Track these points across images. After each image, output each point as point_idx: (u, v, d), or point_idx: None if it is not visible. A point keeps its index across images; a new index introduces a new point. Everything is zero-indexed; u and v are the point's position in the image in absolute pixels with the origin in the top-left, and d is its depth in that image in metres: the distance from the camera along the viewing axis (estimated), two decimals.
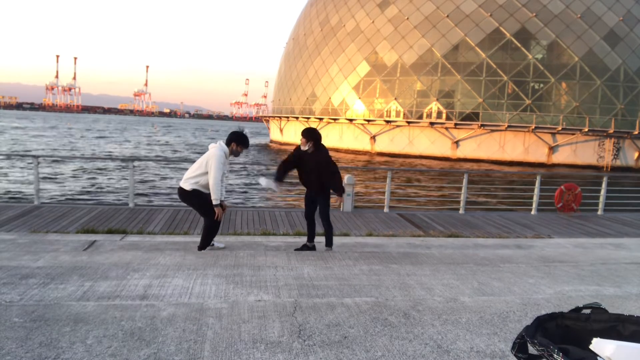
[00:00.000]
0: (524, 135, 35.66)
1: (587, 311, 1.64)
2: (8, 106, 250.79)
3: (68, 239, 6.00)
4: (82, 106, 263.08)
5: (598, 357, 1.33)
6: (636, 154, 35.95)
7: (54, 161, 24.14)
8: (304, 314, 3.37)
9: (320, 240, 5.85)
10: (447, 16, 37.85)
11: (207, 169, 5.24)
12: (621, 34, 35.89)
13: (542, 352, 1.39)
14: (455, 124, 36.82)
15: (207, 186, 5.27)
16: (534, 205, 10.20)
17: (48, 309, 3.26)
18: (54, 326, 2.99)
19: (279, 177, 5.66)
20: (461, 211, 9.77)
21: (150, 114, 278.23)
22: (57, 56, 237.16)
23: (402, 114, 39.18)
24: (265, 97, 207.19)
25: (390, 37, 39.91)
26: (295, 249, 5.79)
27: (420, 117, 38.51)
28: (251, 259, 5.09)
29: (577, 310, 1.65)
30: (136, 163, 16.35)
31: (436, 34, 38.20)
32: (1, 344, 2.71)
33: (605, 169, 34.40)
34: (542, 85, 36.25)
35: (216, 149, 5.29)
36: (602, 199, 10.57)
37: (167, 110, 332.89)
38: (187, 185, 5.36)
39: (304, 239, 6.06)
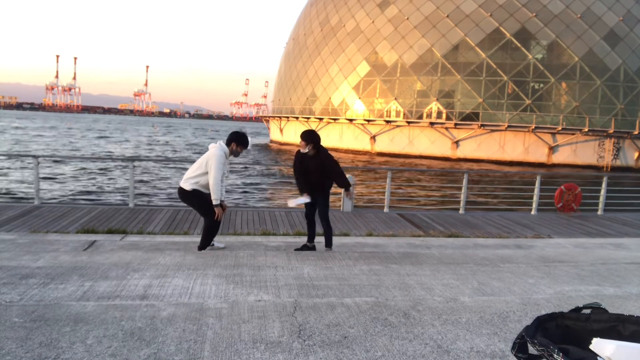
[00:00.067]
0: (524, 135, 35.66)
1: (587, 311, 1.64)
2: (8, 106, 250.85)
3: (68, 239, 6.00)
4: (82, 106, 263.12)
5: (598, 357, 1.33)
6: (636, 154, 35.96)
7: (54, 161, 24.15)
8: (304, 314, 3.37)
9: (320, 240, 5.85)
10: (447, 16, 37.85)
11: (207, 169, 5.24)
12: (621, 34, 35.89)
13: (542, 352, 1.39)
14: (455, 124, 36.82)
15: (207, 186, 5.28)
16: (534, 205, 10.20)
17: (48, 309, 3.26)
18: (54, 326, 2.99)
19: (303, 188, 5.69)
20: (461, 211, 9.77)
21: (150, 114, 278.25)
22: (57, 56, 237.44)
23: (402, 114, 39.19)
24: (265, 97, 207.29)
25: (390, 37, 39.92)
26: (295, 249, 5.79)
27: (420, 117, 38.51)
28: (251, 259, 5.09)
29: (577, 310, 1.65)
30: (136, 163, 16.35)
31: (436, 34, 38.20)
32: (1, 344, 2.71)
33: (605, 169, 34.40)
34: (542, 85, 36.26)
35: (216, 149, 5.29)
36: (602, 199, 10.57)
37: (167, 110, 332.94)
38: (187, 185, 5.36)
39: (304, 239, 6.06)
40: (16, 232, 6.39)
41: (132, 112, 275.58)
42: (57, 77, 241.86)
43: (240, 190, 18.19)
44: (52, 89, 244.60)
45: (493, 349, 2.95)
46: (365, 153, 40.22)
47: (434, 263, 5.27)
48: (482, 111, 36.66)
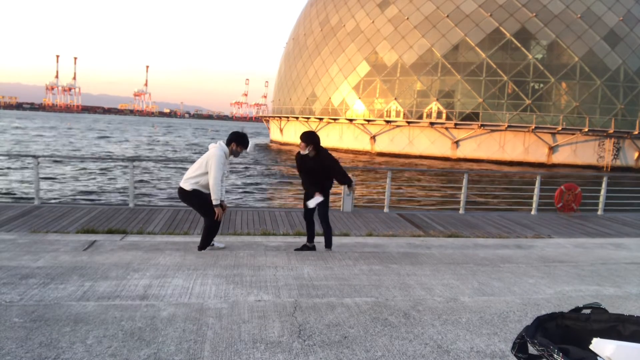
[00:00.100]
0: (524, 135, 35.66)
1: (587, 311, 1.64)
2: (8, 106, 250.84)
3: (68, 239, 6.00)
4: (82, 106, 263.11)
5: (598, 357, 1.33)
6: (636, 154, 35.96)
7: (54, 161, 24.15)
8: (304, 314, 3.37)
9: (320, 240, 5.85)
10: (447, 16, 37.85)
11: (207, 169, 5.24)
12: (621, 34, 35.89)
13: (542, 352, 1.39)
14: (455, 124, 36.82)
15: (207, 186, 5.28)
16: (534, 205, 10.20)
17: (48, 309, 3.26)
18: (54, 326, 2.99)
19: (314, 188, 5.68)
20: (461, 211, 9.77)
21: (150, 114, 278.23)
22: (57, 56, 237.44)
23: (402, 114, 39.19)
24: (265, 97, 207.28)
25: (390, 37, 39.92)
26: (295, 249, 5.79)
27: (420, 117, 38.51)
28: (251, 259, 5.09)
29: (577, 310, 1.65)
30: (136, 163, 16.35)
31: (436, 34, 38.21)
32: (1, 344, 2.71)
33: (605, 169, 34.40)
34: (542, 85, 36.26)
35: (216, 149, 5.29)
36: (602, 199, 10.56)
37: (167, 110, 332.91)
38: (187, 185, 5.36)
39: (304, 239, 6.06)
40: (16, 232, 6.39)
41: (132, 112, 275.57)
42: (57, 77, 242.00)
43: (240, 190, 18.19)
44: (52, 89, 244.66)
45: (493, 349, 2.95)
46: (365, 153, 40.23)
47: (434, 263, 5.26)
48: (482, 111, 36.66)
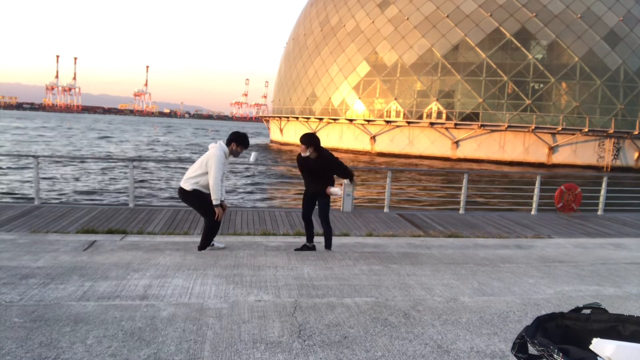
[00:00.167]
0: (524, 135, 35.66)
1: (587, 311, 1.64)
2: (8, 106, 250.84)
3: (68, 239, 6.00)
4: (82, 106, 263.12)
5: (598, 357, 1.33)
6: (636, 154, 35.95)
7: (54, 161, 24.15)
8: (304, 314, 3.37)
9: (319, 240, 5.85)
10: (447, 16, 37.85)
11: (207, 169, 5.24)
12: (621, 34, 35.89)
13: (542, 352, 1.39)
14: (455, 124, 36.82)
15: (207, 186, 5.28)
16: (534, 205, 10.20)
17: (48, 309, 3.26)
18: (54, 326, 2.99)
19: (319, 187, 5.71)
20: (461, 211, 9.77)
21: (151, 114, 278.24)
22: (57, 56, 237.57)
23: (402, 114, 39.18)
24: (265, 97, 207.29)
25: (390, 37, 39.92)
26: (295, 249, 5.79)
27: (420, 117, 38.51)
28: (251, 259, 5.10)
29: (577, 310, 1.65)
30: (136, 163, 16.35)
31: (436, 34, 38.20)
32: (1, 344, 2.71)
33: (605, 169, 34.40)
34: (542, 85, 36.25)
35: (216, 149, 5.29)
36: (602, 199, 10.56)
37: (167, 111, 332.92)
38: (187, 185, 5.36)
39: (304, 239, 6.06)
40: (16, 232, 6.39)
41: (132, 112, 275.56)
42: (57, 77, 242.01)
43: (241, 190, 18.19)
44: (52, 89, 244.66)
45: (493, 349, 2.95)
46: (365, 153, 40.22)
47: (434, 263, 5.27)
48: (482, 111, 36.66)
